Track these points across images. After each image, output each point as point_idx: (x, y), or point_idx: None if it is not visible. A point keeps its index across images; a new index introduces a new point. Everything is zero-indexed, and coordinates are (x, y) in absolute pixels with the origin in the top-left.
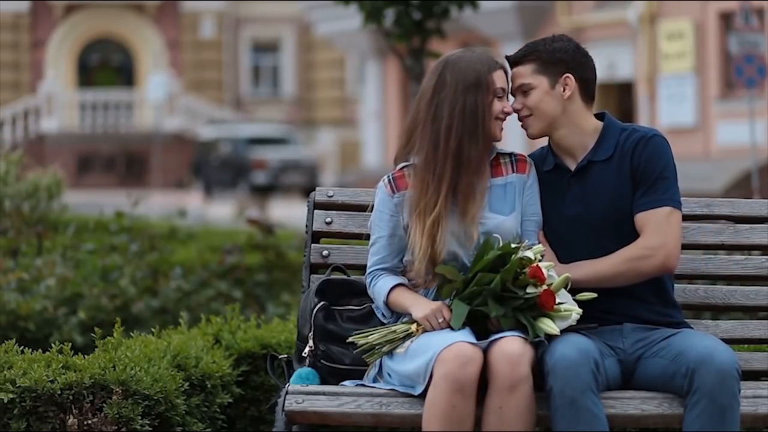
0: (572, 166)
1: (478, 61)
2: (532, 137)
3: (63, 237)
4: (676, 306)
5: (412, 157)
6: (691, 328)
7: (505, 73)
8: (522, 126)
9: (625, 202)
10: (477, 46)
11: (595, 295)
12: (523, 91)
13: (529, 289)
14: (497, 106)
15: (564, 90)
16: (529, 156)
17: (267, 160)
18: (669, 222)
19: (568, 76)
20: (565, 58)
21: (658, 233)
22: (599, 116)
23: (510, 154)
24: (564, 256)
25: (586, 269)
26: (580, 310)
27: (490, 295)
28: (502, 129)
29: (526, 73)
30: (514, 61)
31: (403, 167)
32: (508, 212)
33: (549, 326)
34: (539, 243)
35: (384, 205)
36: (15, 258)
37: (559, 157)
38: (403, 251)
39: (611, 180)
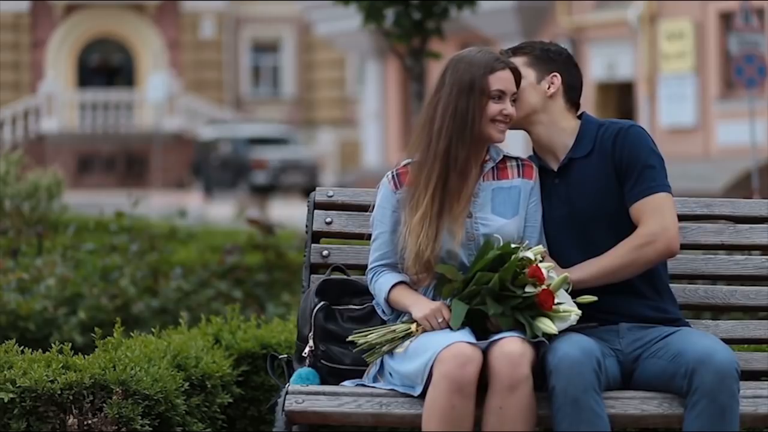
0: (555, 167)
1: (477, 62)
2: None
3: (63, 237)
4: (672, 298)
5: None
6: (689, 325)
7: (514, 73)
8: None
9: (610, 196)
10: (485, 46)
11: (595, 298)
12: None
13: (528, 289)
14: (494, 108)
15: (549, 87)
16: None
17: (267, 160)
18: (665, 207)
19: (555, 75)
20: (556, 59)
21: (656, 219)
22: (578, 116)
23: (516, 159)
24: (556, 257)
25: (591, 268)
26: (580, 312)
27: (488, 294)
28: (502, 131)
29: (517, 63)
30: (510, 52)
31: (407, 164)
32: (511, 216)
33: (547, 326)
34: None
35: (387, 201)
36: (15, 258)
37: (543, 159)
38: None
39: (593, 175)
